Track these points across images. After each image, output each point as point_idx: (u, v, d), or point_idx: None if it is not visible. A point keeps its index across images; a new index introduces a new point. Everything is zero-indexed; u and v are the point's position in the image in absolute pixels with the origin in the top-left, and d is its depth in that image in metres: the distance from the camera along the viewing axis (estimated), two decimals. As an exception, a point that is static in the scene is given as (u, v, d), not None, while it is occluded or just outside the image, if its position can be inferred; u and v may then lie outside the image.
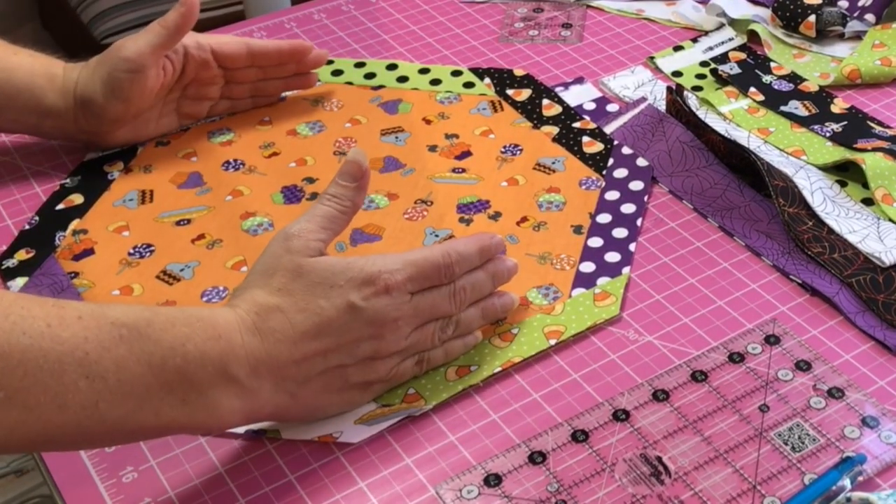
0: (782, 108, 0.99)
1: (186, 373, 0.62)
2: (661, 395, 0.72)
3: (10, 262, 0.85)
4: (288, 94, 1.04)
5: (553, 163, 0.94)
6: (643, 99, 1.00)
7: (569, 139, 0.96)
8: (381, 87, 1.05)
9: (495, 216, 0.88)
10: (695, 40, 1.10)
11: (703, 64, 1.06)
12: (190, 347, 0.62)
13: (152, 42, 0.91)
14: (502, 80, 1.05)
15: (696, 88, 1.03)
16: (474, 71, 1.06)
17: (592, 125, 0.98)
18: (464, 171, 0.93)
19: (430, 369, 0.74)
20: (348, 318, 0.68)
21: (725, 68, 1.04)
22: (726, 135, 0.92)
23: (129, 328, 0.61)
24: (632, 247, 0.85)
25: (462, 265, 0.74)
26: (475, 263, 0.75)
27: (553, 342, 0.76)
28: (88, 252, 0.86)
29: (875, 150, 0.90)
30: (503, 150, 0.96)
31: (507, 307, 0.77)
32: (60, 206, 0.91)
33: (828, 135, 0.96)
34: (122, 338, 0.60)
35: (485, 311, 0.76)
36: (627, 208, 0.88)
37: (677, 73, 1.05)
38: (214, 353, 0.63)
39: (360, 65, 1.08)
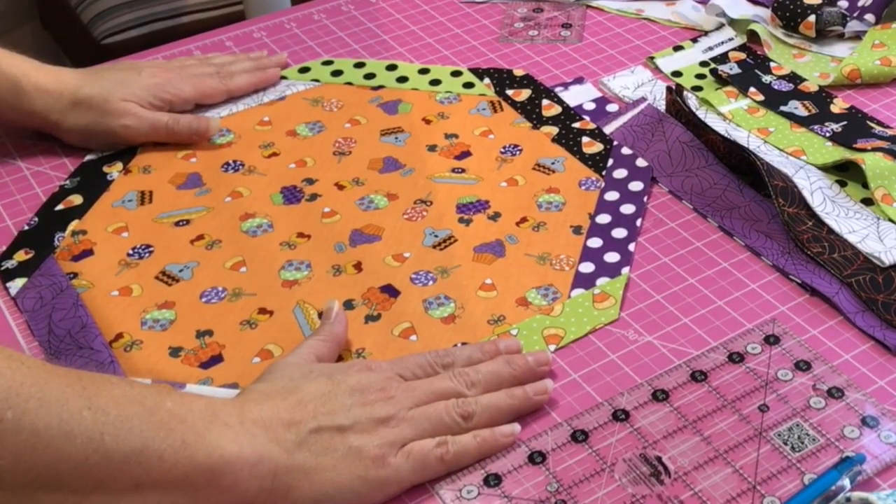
0: (782, 108, 0.99)
1: (178, 414, 0.61)
2: (660, 395, 0.72)
3: (10, 263, 0.85)
4: (287, 94, 1.04)
5: (552, 163, 0.94)
6: (643, 99, 1.00)
7: (568, 139, 0.96)
8: (380, 87, 1.05)
9: (495, 216, 0.88)
10: (695, 40, 1.10)
11: (703, 64, 1.06)
12: (175, 396, 0.63)
13: (149, 134, 0.96)
14: (502, 80, 1.05)
15: (696, 88, 1.03)
16: (474, 71, 1.06)
17: (592, 125, 0.98)
18: (463, 171, 0.93)
19: (460, 459, 0.67)
20: (329, 390, 0.67)
21: (725, 68, 1.04)
22: (726, 135, 0.92)
23: (116, 379, 0.62)
24: (631, 247, 0.84)
25: (456, 355, 0.73)
26: (475, 354, 0.73)
27: (552, 348, 0.76)
28: (87, 253, 0.86)
29: (875, 150, 0.90)
30: (503, 150, 0.96)
31: (541, 390, 0.71)
32: (60, 207, 0.91)
33: (827, 135, 0.95)
34: (114, 383, 0.61)
35: (511, 393, 0.70)
36: (627, 209, 0.88)
37: (677, 73, 1.05)
38: (199, 403, 0.64)
39: (359, 65, 1.08)
